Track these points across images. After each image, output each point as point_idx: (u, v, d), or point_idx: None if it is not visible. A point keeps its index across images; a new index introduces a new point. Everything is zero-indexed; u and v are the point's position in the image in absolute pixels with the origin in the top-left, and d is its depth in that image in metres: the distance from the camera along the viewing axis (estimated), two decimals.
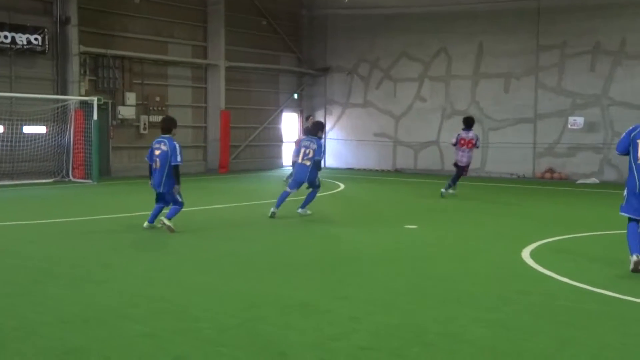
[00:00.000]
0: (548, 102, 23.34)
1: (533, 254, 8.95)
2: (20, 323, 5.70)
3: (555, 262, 8.52)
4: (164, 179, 10.44)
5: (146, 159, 10.92)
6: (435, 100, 25.91)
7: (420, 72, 26.24)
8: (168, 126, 10.78)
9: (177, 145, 10.42)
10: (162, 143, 10.50)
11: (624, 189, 8.09)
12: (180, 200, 10.61)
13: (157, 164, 10.48)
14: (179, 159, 10.39)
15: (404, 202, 16.05)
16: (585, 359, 4.94)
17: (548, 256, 8.93)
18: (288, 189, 12.93)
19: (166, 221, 10.37)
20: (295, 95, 29.17)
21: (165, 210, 10.75)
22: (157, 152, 10.50)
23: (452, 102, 25.45)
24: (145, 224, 10.73)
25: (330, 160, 29.25)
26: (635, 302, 6.60)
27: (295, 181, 13.02)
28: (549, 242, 10.07)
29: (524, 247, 9.43)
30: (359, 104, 28.05)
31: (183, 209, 10.73)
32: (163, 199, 10.74)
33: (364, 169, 27.50)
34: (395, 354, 4.96)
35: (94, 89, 21.46)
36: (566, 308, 6.35)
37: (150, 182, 10.80)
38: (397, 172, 26.67)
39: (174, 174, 10.42)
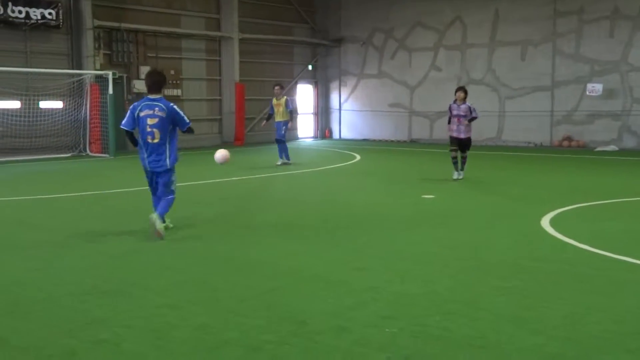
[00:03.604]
0: (565, 69, 23.03)
1: (553, 222, 8.89)
2: (43, 295, 5.77)
3: (575, 229, 8.45)
4: (167, 152, 8.20)
5: (122, 126, 8.37)
6: (450, 69, 25.66)
7: (436, 41, 25.96)
8: (158, 82, 8.30)
9: (176, 108, 8.23)
10: (157, 108, 8.12)
11: None
12: (174, 188, 8.41)
13: (156, 136, 8.12)
14: (186, 119, 8.23)
15: (420, 173, 15.98)
16: (609, 324, 4.90)
17: (568, 224, 8.87)
18: None
19: (159, 223, 7.96)
20: (310, 67, 29.01)
21: None
22: (151, 122, 8.10)
23: (468, 71, 25.20)
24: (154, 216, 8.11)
25: (345, 131, 29.18)
26: None
27: None
28: (568, 209, 10.00)
29: (543, 215, 9.37)
30: (374, 74, 27.85)
31: (176, 197, 8.50)
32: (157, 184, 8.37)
33: (380, 140, 27.42)
34: (416, 322, 4.96)
35: (109, 63, 21.48)
36: (587, 275, 6.31)
37: (143, 162, 8.32)
38: (413, 142, 26.56)
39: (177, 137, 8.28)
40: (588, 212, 9.94)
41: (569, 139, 23.00)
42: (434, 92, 26.03)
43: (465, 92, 13.59)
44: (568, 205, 10.28)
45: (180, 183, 8.91)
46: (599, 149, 21.80)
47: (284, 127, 17.12)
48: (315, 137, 29.54)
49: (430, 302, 5.47)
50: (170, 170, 8.29)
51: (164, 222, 8.17)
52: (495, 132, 24.51)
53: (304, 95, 29.33)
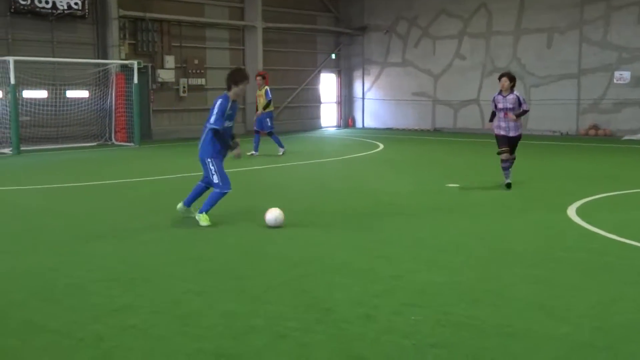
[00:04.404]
0: (593, 56, 22.70)
1: (579, 211, 8.80)
2: (71, 281, 5.85)
3: (602, 219, 8.36)
4: (201, 142, 8.34)
5: None
6: (475, 57, 25.44)
7: (460, 29, 25.73)
8: (227, 79, 8.28)
9: (216, 103, 8.12)
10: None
11: None
12: (218, 181, 8.22)
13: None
14: (212, 119, 8.06)
15: (444, 162, 15.89)
16: (636, 314, 4.85)
17: (595, 213, 8.77)
18: None
19: (197, 216, 8.29)
20: (333, 56, 28.94)
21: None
22: None
23: (492, 59, 24.95)
24: (179, 205, 8.63)
25: (369, 120, 29.10)
26: None
27: None
28: (595, 199, 9.89)
29: (569, 204, 9.28)
30: (398, 63, 27.71)
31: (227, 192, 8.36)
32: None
33: (403, 129, 27.31)
34: (441, 310, 4.95)
35: (134, 53, 21.61)
36: (614, 265, 6.25)
37: None
38: (437, 131, 26.41)
39: (217, 139, 8.14)
40: (615, 202, 9.82)
41: (595, 127, 22.70)
42: (458, 80, 25.84)
43: (512, 79, 10.78)
44: (595, 195, 10.16)
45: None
46: (626, 137, 21.50)
47: (268, 119, 16.75)
48: (338, 126, 29.50)
49: (456, 291, 5.46)
50: (203, 161, 8.30)
51: (204, 213, 8.25)
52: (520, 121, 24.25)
53: (327, 84, 29.27)
